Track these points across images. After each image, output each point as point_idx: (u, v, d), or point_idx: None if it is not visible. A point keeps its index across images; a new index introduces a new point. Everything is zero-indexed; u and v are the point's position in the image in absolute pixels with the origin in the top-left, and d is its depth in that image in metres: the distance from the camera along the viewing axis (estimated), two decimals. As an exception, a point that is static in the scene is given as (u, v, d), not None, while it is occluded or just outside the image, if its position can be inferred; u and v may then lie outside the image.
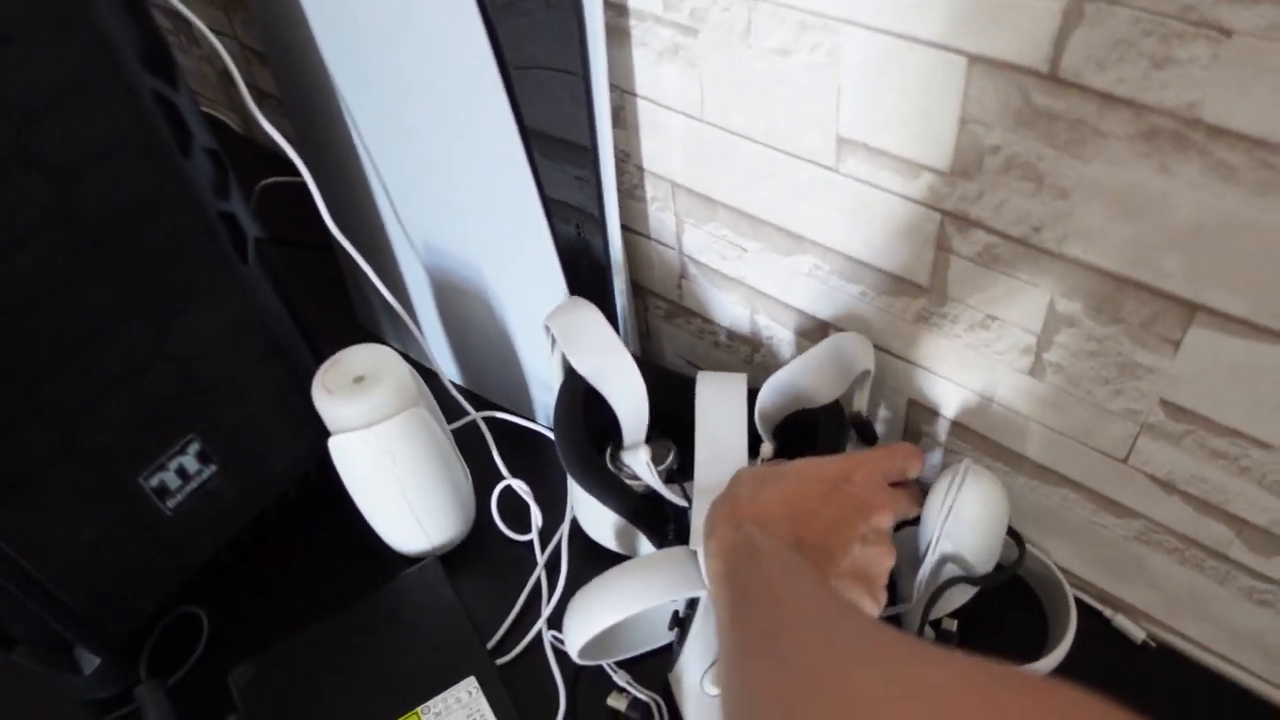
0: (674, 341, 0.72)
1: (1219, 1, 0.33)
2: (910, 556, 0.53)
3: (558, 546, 0.63)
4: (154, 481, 0.55)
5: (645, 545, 0.58)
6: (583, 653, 0.50)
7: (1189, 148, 0.37)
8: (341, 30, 0.59)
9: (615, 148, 0.57)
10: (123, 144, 0.48)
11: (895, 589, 0.55)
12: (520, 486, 0.66)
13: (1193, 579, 0.50)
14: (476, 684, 0.55)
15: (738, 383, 0.57)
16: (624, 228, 0.63)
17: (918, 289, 0.51)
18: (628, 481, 0.57)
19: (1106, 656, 0.54)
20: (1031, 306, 0.47)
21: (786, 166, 0.52)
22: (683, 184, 0.59)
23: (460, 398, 0.69)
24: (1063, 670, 0.52)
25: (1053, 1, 0.37)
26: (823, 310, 0.58)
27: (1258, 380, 0.41)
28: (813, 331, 0.59)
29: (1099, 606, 0.56)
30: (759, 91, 0.50)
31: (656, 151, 0.59)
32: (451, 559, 0.64)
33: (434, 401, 0.61)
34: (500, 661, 0.57)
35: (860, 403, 0.56)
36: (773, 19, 0.46)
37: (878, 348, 0.56)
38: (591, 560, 0.61)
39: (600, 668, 0.56)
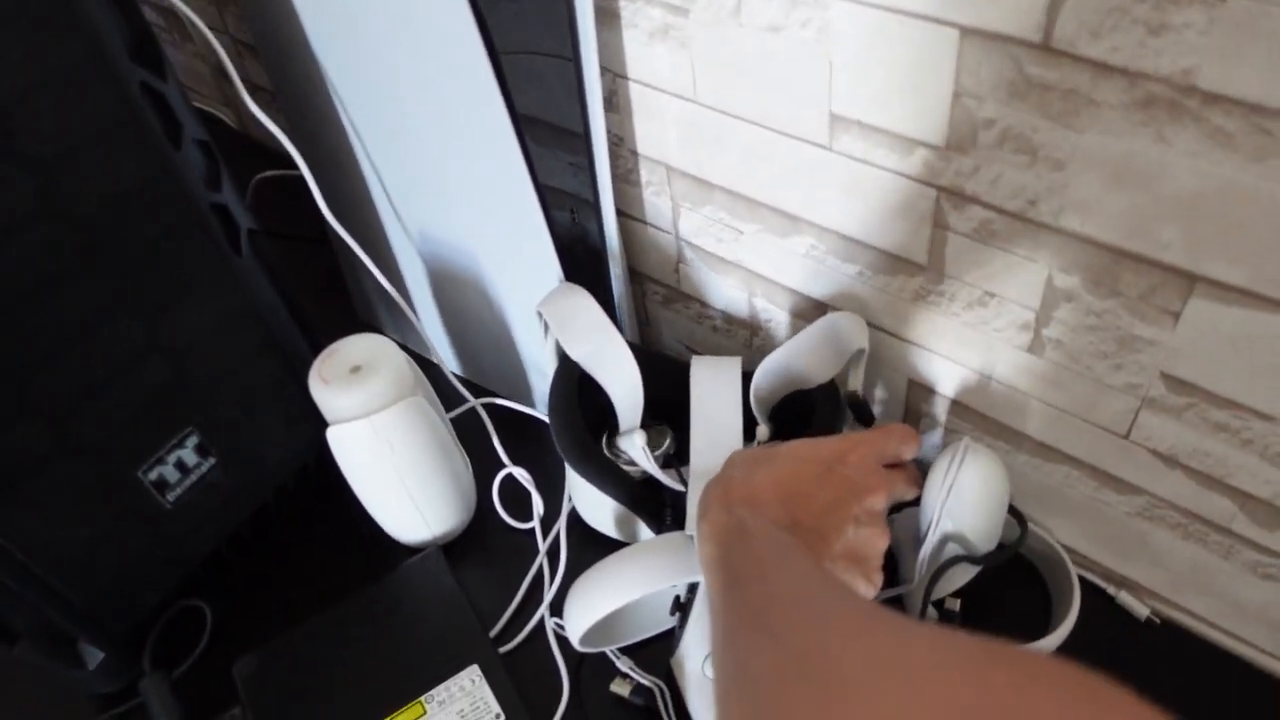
0: (672, 327, 0.72)
1: (1212, -36, 0.33)
2: (911, 536, 0.52)
3: (558, 534, 0.62)
4: (153, 475, 0.55)
5: (644, 531, 0.58)
6: (584, 640, 0.50)
7: (1185, 115, 0.36)
8: (332, 21, 0.58)
9: (608, 132, 0.57)
10: (110, 135, 0.48)
11: (896, 569, 0.54)
12: (521, 474, 0.65)
13: (1196, 554, 0.50)
14: (480, 672, 0.55)
15: (732, 366, 0.57)
16: (619, 213, 0.63)
17: (915, 267, 0.51)
18: (624, 468, 0.57)
19: (1111, 634, 0.54)
20: (1029, 282, 0.46)
21: (780, 146, 0.51)
22: (677, 167, 0.59)
23: (459, 385, 0.69)
24: (1067, 648, 0.51)
25: (1044, -31, 0.36)
26: (820, 291, 0.57)
27: (1258, 351, 0.40)
28: (810, 313, 0.59)
29: (1102, 584, 0.55)
30: (751, 70, 0.49)
31: (650, 135, 0.58)
32: (453, 548, 0.64)
33: (432, 390, 0.61)
34: (503, 650, 0.57)
35: (856, 382, 0.56)
36: (762, -4, 0.46)
37: (875, 327, 0.56)
38: (592, 547, 0.61)
39: (603, 654, 0.55)
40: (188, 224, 0.53)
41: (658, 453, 0.58)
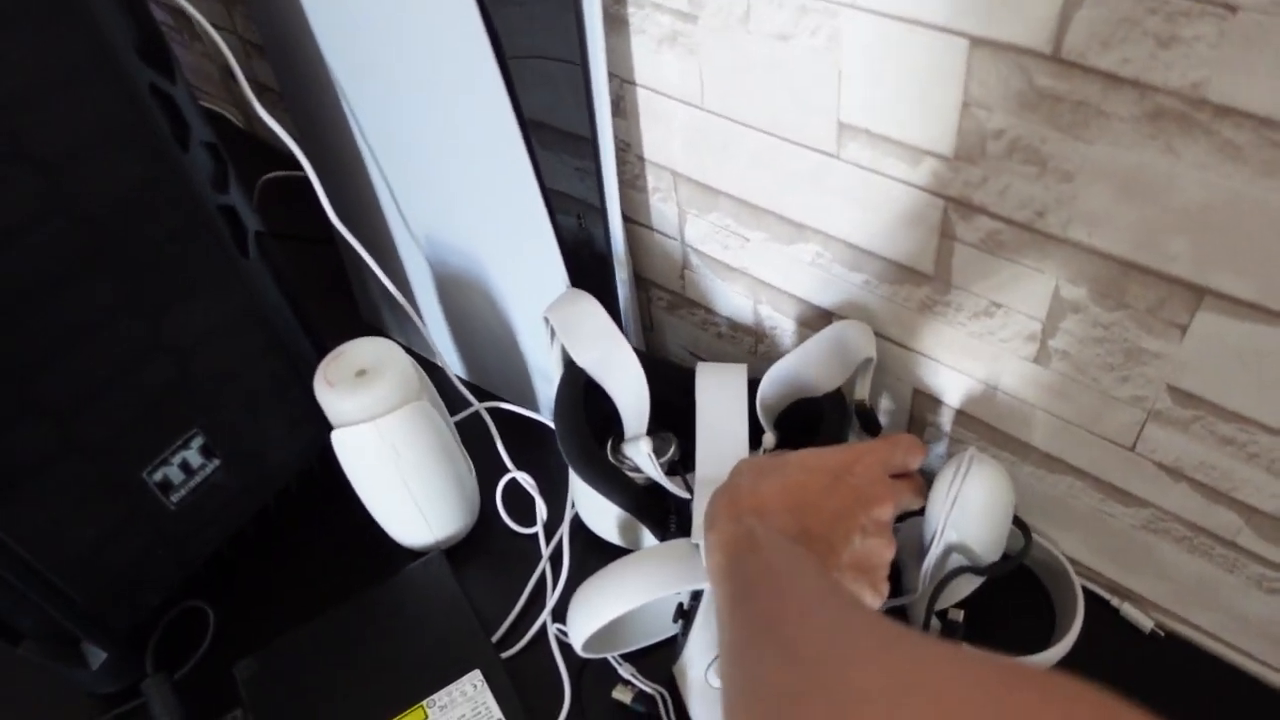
0: (677, 333, 0.72)
1: (1224, -22, 0.32)
2: (915, 546, 0.52)
3: (561, 539, 0.62)
4: (157, 476, 0.55)
5: (647, 538, 0.58)
6: (587, 646, 0.50)
7: (1195, 128, 0.36)
8: (340, 23, 0.59)
9: (615, 138, 0.57)
10: (118, 136, 0.48)
11: (901, 579, 0.54)
12: (525, 479, 0.65)
13: (1201, 567, 0.50)
14: (481, 677, 0.55)
15: (737, 373, 0.57)
16: (625, 219, 0.63)
17: (921, 276, 0.51)
18: (629, 474, 0.57)
19: (1114, 646, 0.53)
20: (1036, 293, 0.46)
21: (788, 154, 0.51)
22: (684, 174, 0.59)
23: (463, 389, 0.69)
24: (1070, 660, 0.51)
25: (1055, -19, 0.36)
26: (825, 299, 0.57)
27: (1266, 364, 0.40)
28: (815, 321, 0.59)
29: (1107, 596, 0.55)
30: (759, 78, 0.49)
31: (657, 141, 0.58)
32: (456, 552, 0.64)
33: (437, 394, 0.61)
34: (505, 655, 0.57)
35: (863, 391, 0.56)
36: (772, 3, 0.46)
37: (881, 336, 0.55)
38: (595, 553, 0.61)
39: (605, 660, 0.55)
40: (194, 225, 0.53)
41: (663, 460, 0.58)
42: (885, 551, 0.43)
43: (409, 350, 0.59)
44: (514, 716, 0.53)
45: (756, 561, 0.37)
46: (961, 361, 0.53)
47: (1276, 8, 0.32)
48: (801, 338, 0.61)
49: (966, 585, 0.50)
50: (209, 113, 0.54)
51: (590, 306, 0.57)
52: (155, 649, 0.59)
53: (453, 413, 0.65)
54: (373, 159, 0.66)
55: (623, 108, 0.58)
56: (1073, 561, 0.55)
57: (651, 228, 0.65)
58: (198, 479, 0.57)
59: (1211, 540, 0.48)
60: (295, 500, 0.66)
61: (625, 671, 0.55)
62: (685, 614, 0.51)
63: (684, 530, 0.53)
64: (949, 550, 0.50)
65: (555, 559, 0.62)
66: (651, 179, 0.61)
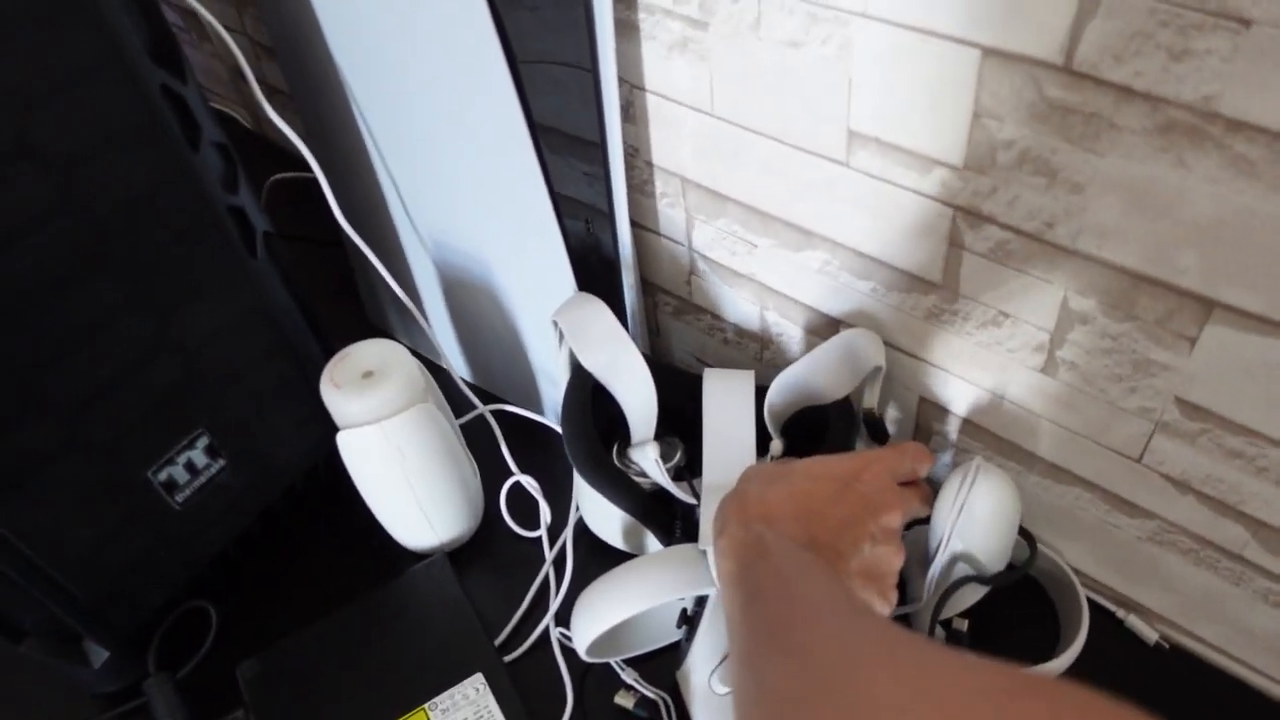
0: (683, 339, 0.72)
1: (1238, -8, 0.32)
2: (921, 555, 0.52)
3: (565, 543, 0.62)
4: (163, 476, 0.55)
5: (651, 543, 0.57)
6: (590, 650, 0.50)
7: (1207, 141, 0.36)
8: (350, 25, 0.59)
9: (624, 143, 0.57)
10: (129, 136, 0.48)
11: (905, 588, 0.54)
12: (529, 482, 0.65)
13: (1207, 580, 0.50)
14: (484, 681, 0.55)
15: (745, 379, 0.57)
16: (633, 224, 0.63)
17: (929, 285, 0.51)
18: (635, 479, 0.57)
19: (1119, 658, 0.53)
20: (1045, 303, 0.46)
21: (797, 161, 0.51)
22: (692, 179, 0.59)
23: (469, 392, 0.69)
24: (1075, 671, 0.51)
25: (1068, -7, 0.36)
26: (833, 307, 0.57)
27: (1275, 378, 0.40)
28: (822, 328, 0.59)
29: (1112, 607, 0.55)
30: (769, 85, 0.49)
31: (666, 147, 0.58)
32: (459, 555, 0.64)
33: (442, 396, 0.61)
34: (508, 658, 0.57)
35: (871, 400, 0.56)
36: (783, 11, 0.46)
37: (888, 345, 0.55)
38: (599, 557, 0.61)
39: (608, 665, 0.55)
40: (203, 226, 0.53)
41: (669, 465, 0.58)
42: (894, 559, 0.43)
43: (415, 352, 0.59)
44: (516, 721, 0.53)
45: (766, 568, 0.38)
46: (969, 371, 0.53)
47: (1291, 22, 0.32)
48: (808, 345, 0.61)
49: (971, 595, 0.50)
50: (218, 114, 0.54)
51: (599, 310, 0.57)
52: (158, 648, 0.60)
53: (458, 415, 0.65)
54: (381, 161, 0.66)
55: (632, 113, 0.58)
56: (1078, 572, 0.55)
57: (659, 233, 0.65)
58: (202, 479, 0.57)
59: (1218, 553, 0.48)
60: (300, 501, 0.66)
61: (628, 676, 0.55)
62: (689, 619, 0.51)
63: (689, 536, 0.53)
64: (954, 560, 0.49)
65: (559, 563, 0.62)
66: (660, 184, 0.61)
